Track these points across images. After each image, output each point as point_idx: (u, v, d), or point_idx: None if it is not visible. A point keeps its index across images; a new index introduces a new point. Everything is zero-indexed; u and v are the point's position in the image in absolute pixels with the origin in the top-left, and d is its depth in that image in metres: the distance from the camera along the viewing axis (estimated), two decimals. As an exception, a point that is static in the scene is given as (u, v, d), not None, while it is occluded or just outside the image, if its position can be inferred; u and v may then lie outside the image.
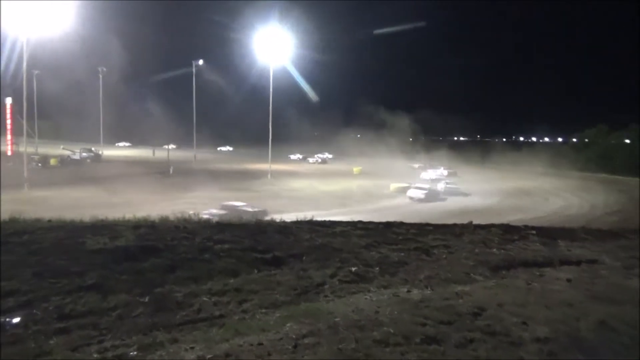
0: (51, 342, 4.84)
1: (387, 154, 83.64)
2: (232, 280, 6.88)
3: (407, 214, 33.45)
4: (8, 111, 63.32)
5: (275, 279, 7.14)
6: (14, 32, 51.96)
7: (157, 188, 45.77)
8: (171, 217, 9.80)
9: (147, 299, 5.98)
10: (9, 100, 63.33)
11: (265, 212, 34.59)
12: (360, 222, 11.12)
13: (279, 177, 59.16)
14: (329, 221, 12.11)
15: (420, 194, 48.36)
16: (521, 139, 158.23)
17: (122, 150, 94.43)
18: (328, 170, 72.71)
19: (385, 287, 7.04)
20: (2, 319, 5.28)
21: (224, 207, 34.02)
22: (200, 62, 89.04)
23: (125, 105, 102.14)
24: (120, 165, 64.09)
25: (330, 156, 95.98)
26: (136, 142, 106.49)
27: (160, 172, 57.77)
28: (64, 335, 4.99)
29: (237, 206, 34.79)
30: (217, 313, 5.74)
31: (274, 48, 65.58)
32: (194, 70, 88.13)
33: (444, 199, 49.11)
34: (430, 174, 67.05)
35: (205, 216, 13.28)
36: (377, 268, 7.91)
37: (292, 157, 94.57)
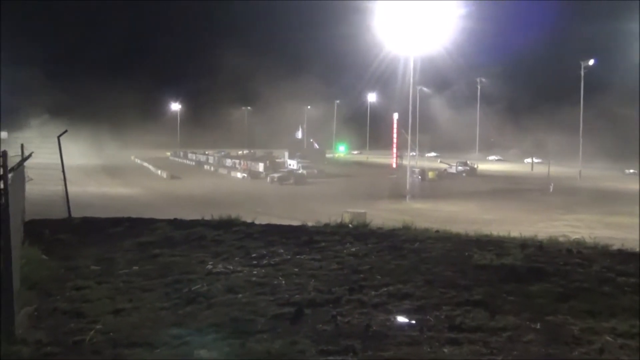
0: (444, 350, 5.33)
1: None
2: (642, 323, 6.12)
3: None
4: (395, 126, 73.68)
5: None
6: (404, 52, 60.78)
7: (534, 206, 44.92)
8: (561, 239, 9.47)
9: (538, 326, 5.93)
10: (395, 116, 73.72)
11: None
12: None
13: None
14: None
15: None
16: None
17: (496, 164, 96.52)
18: None
19: None
20: (400, 319, 6.14)
21: None
22: (591, 62, 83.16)
23: (500, 117, 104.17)
24: (495, 181, 65.72)
25: None
26: (509, 155, 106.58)
27: (539, 189, 56.45)
28: (455, 346, 5.42)
29: None
30: (624, 358, 5.21)
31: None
32: (582, 73, 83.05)
33: None
34: None
35: None
36: None
37: None
